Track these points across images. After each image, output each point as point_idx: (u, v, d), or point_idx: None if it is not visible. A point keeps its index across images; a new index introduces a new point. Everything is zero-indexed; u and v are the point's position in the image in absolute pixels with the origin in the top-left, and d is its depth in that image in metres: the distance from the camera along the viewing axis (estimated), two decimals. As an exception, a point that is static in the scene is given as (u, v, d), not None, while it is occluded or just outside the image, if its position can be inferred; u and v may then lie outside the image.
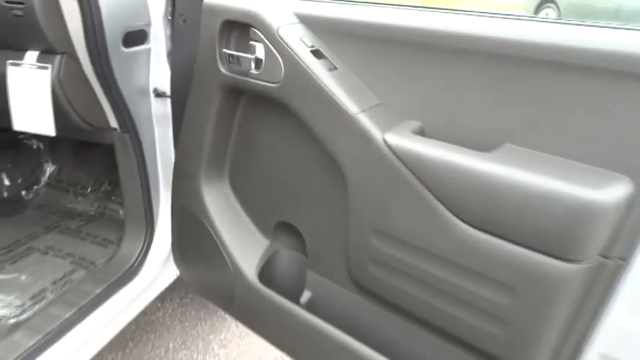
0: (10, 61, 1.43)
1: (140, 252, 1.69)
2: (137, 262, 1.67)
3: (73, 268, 1.74)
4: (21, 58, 1.43)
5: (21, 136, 2.23)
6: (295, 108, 1.13)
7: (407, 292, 1.07)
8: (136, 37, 1.48)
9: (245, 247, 1.40)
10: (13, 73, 1.43)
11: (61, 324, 1.40)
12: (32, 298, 1.59)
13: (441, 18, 1.01)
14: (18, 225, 2.02)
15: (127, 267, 1.65)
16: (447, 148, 0.95)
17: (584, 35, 0.85)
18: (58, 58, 1.42)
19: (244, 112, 1.32)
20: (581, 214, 0.80)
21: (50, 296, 1.59)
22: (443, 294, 1.01)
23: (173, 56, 1.52)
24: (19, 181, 2.23)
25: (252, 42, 1.16)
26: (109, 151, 2.07)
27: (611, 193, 0.80)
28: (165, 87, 1.58)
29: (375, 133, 1.02)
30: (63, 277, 1.69)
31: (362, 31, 1.10)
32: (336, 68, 1.11)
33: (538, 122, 0.91)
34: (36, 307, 1.53)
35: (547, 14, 7.93)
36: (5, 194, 2.17)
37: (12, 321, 1.46)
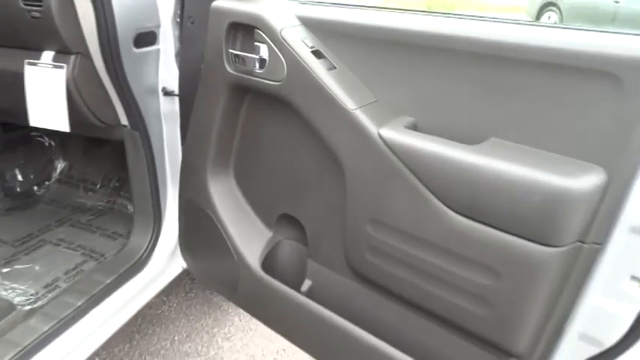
0: (27, 61, 1.49)
1: (148, 245, 1.74)
2: (145, 254, 1.72)
3: (84, 260, 1.80)
4: (38, 57, 1.48)
5: (33, 133, 2.29)
6: (297, 105, 1.19)
7: (400, 277, 1.13)
8: (146, 38, 1.54)
9: (249, 238, 1.45)
10: (30, 72, 1.49)
11: (74, 311, 1.45)
12: (46, 286, 1.65)
13: (432, 21, 1.07)
14: (31, 218, 2.08)
15: (136, 259, 1.70)
16: (437, 142, 1.01)
17: (560, 36, 0.91)
18: (72, 57, 1.48)
19: (249, 109, 1.38)
20: (558, 202, 0.86)
21: (63, 285, 1.65)
22: (433, 278, 1.07)
23: (181, 56, 1.58)
24: (32, 176, 2.29)
25: (256, 43, 1.22)
26: (117, 148, 2.13)
27: (586, 181, 0.85)
28: (173, 86, 1.63)
29: (371, 127, 1.08)
30: (74, 267, 1.75)
31: (359, 33, 1.16)
32: (335, 67, 1.17)
33: (520, 117, 0.97)
34: (49, 295, 1.59)
35: (549, 17, 7.95)
36: (18, 189, 2.22)
37: (27, 308, 1.52)
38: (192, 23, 1.48)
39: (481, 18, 1.04)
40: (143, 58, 1.55)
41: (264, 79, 1.23)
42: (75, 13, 1.42)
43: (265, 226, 1.47)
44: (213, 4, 1.28)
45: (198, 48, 1.41)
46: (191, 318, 2.23)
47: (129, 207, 2.18)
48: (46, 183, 2.33)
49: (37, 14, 1.40)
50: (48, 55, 1.48)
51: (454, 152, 0.98)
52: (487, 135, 1.00)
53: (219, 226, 1.47)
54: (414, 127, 1.10)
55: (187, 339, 2.11)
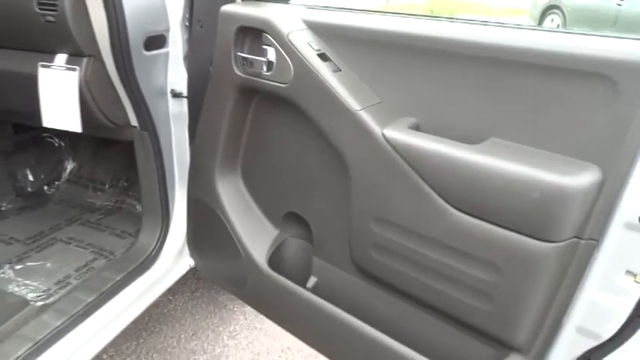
0: (41, 63, 1.52)
1: (156, 243, 1.76)
2: (154, 253, 1.74)
3: (94, 257, 1.84)
4: (51, 60, 1.52)
5: (44, 134, 2.33)
6: (303, 106, 1.23)
7: (403, 273, 1.16)
8: (156, 41, 1.58)
9: (256, 236, 1.49)
10: (43, 74, 1.52)
11: (85, 307, 1.48)
12: (57, 283, 1.68)
13: (434, 25, 1.11)
14: (42, 218, 2.12)
15: (145, 257, 1.72)
16: (439, 142, 1.05)
17: (557, 40, 0.95)
18: (85, 60, 1.52)
19: (256, 110, 1.41)
20: (556, 198, 0.90)
21: (74, 282, 1.69)
22: (436, 274, 1.10)
23: (190, 59, 1.61)
24: (42, 177, 2.32)
25: (264, 46, 1.26)
26: (126, 149, 2.16)
27: (583, 179, 0.89)
28: (182, 88, 1.66)
29: (375, 128, 1.11)
30: (85, 265, 1.79)
31: (364, 36, 1.19)
32: (340, 70, 1.20)
33: (519, 118, 1.00)
34: (61, 292, 1.62)
35: (552, 20, 7.95)
36: (29, 189, 2.26)
37: (39, 304, 1.55)
38: (201, 27, 1.51)
39: (481, 22, 1.07)
40: (153, 61, 1.59)
41: (272, 81, 1.26)
42: (88, 18, 1.46)
43: (272, 225, 1.50)
44: (223, 8, 1.32)
45: (207, 51, 1.45)
46: (197, 317, 2.26)
47: (137, 207, 2.21)
48: (56, 183, 2.37)
49: (51, 18, 1.44)
50: (61, 58, 1.52)
51: (456, 152, 1.01)
52: (487, 135, 1.04)
53: (226, 225, 1.50)
54: (417, 128, 1.14)
55: (193, 337, 2.14)
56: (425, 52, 1.10)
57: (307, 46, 1.20)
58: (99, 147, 2.41)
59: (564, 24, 7.42)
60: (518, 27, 1.04)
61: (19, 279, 1.70)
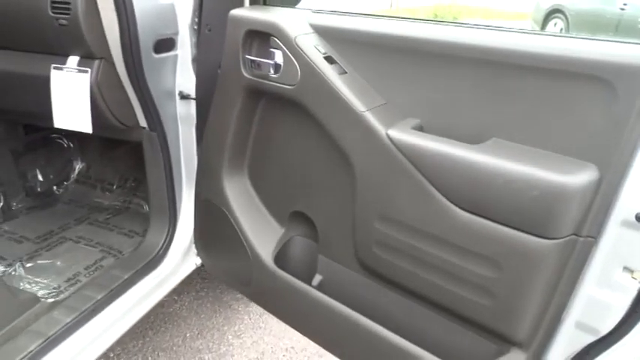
0: (53, 65, 1.55)
1: (164, 242, 1.79)
2: (161, 251, 1.77)
3: (102, 256, 1.87)
4: (63, 62, 1.55)
5: (53, 135, 2.36)
6: (309, 107, 1.25)
7: (407, 270, 1.18)
8: (165, 44, 1.61)
9: (262, 235, 1.51)
10: (56, 76, 1.56)
11: (95, 304, 1.51)
12: (67, 281, 1.71)
13: (438, 29, 1.14)
14: (51, 217, 2.15)
15: (152, 255, 1.75)
16: (442, 142, 1.07)
17: (557, 44, 0.98)
18: (96, 62, 1.54)
19: (263, 111, 1.44)
20: (555, 196, 0.92)
21: (83, 280, 1.72)
22: (439, 271, 1.12)
23: (198, 62, 1.64)
24: (51, 177, 2.35)
25: (272, 49, 1.29)
26: (133, 150, 2.20)
27: (580, 178, 0.91)
28: (189, 90, 1.70)
29: (380, 128, 1.14)
30: (94, 263, 1.82)
31: (369, 40, 1.22)
32: (345, 72, 1.23)
33: (520, 119, 1.03)
34: (71, 289, 1.66)
35: (555, 24, 7.95)
36: (39, 189, 2.29)
37: (50, 300, 1.58)
38: (209, 30, 1.54)
39: (484, 27, 1.10)
40: (162, 63, 1.62)
41: (279, 83, 1.29)
42: (100, 21, 1.49)
43: (278, 223, 1.53)
44: (232, 12, 1.35)
45: (215, 54, 1.48)
46: (202, 316, 2.28)
47: (144, 207, 2.24)
48: (65, 183, 2.40)
49: (64, 22, 1.47)
50: (73, 60, 1.55)
51: (458, 151, 1.04)
52: (489, 135, 1.06)
53: (233, 224, 1.53)
54: (420, 129, 1.16)
55: (199, 336, 2.16)
56: (428, 55, 1.13)
57: (314, 49, 1.23)
58: (107, 148, 2.44)
59: (567, 28, 7.42)
60: (520, 31, 1.06)
61: (30, 276, 1.73)
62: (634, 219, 0.89)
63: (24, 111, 1.88)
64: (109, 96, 1.61)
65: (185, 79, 1.70)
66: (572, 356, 1.03)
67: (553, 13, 8.01)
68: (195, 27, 1.64)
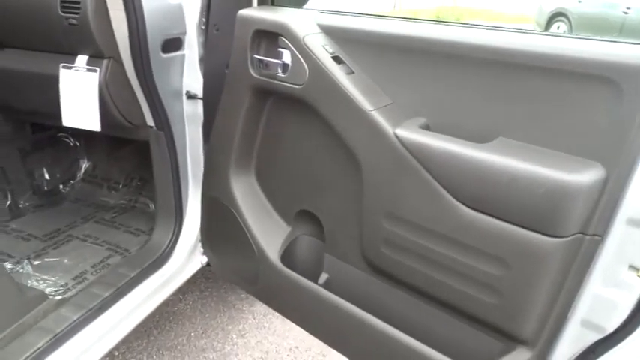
0: (62, 64, 1.57)
1: (170, 241, 1.80)
2: (167, 250, 1.78)
3: (109, 254, 1.88)
4: (72, 61, 1.57)
5: (60, 134, 2.38)
6: (317, 106, 1.26)
7: (414, 268, 1.19)
8: (173, 44, 1.62)
9: (269, 233, 1.52)
10: (65, 75, 1.57)
11: (102, 301, 1.52)
12: (74, 278, 1.73)
13: (443, 29, 1.15)
14: (58, 215, 2.16)
15: (159, 254, 1.76)
16: (448, 141, 1.08)
17: (563, 44, 0.99)
18: (105, 62, 1.56)
19: (271, 111, 1.45)
20: (561, 195, 0.93)
21: (90, 277, 1.73)
22: (445, 269, 1.13)
23: (206, 61, 1.65)
24: (58, 176, 2.36)
25: (280, 49, 1.30)
26: (139, 149, 2.21)
27: (587, 177, 0.92)
28: (197, 89, 1.70)
29: (387, 127, 1.15)
30: (101, 261, 1.83)
31: (376, 40, 1.23)
32: (353, 72, 1.24)
33: (526, 119, 1.04)
34: (78, 287, 1.67)
35: (558, 27, 7.95)
36: (46, 188, 2.30)
37: (58, 297, 1.59)
38: (217, 30, 1.55)
39: (489, 27, 1.11)
40: (169, 63, 1.63)
41: (287, 82, 1.31)
42: (109, 21, 1.51)
43: (284, 222, 1.54)
44: (240, 12, 1.36)
45: (222, 54, 1.49)
46: (206, 315, 2.29)
47: (150, 205, 2.25)
48: (72, 182, 2.42)
49: (74, 21, 1.49)
50: (82, 60, 1.56)
51: (465, 150, 1.05)
52: (495, 135, 1.07)
53: (240, 222, 1.54)
54: (427, 128, 1.17)
55: (203, 335, 2.17)
56: (435, 55, 1.14)
57: (322, 49, 1.24)
58: (113, 147, 2.45)
59: (570, 31, 7.42)
60: (525, 31, 1.07)
61: (38, 274, 1.74)
62: None
63: (32, 109, 1.90)
64: (117, 95, 1.62)
65: (192, 79, 1.70)
66: (577, 354, 1.04)
67: (556, 16, 8.01)
68: (203, 27, 1.65)
